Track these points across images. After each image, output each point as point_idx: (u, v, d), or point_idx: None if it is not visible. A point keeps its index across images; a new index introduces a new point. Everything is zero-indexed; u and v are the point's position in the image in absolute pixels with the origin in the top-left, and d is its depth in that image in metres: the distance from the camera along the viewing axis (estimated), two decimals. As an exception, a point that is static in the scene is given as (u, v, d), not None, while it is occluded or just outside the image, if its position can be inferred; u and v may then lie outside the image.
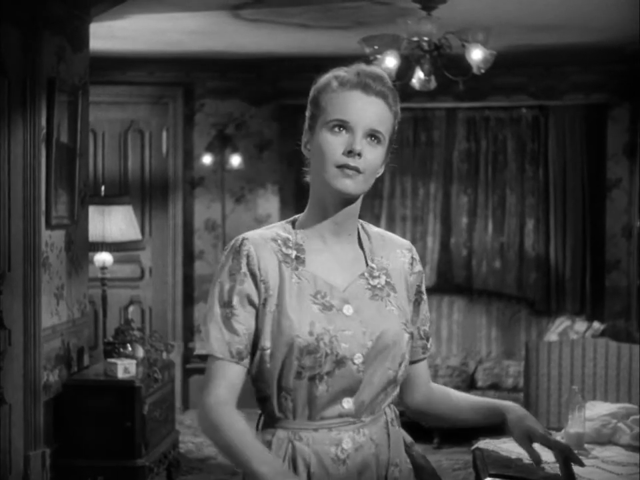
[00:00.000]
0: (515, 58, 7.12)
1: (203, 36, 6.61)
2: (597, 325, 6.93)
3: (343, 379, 1.97)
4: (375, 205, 7.75)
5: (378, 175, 2.05)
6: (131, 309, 7.79)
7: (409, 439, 2.16)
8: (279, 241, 2.03)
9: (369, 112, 1.99)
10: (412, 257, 2.14)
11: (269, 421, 2.02)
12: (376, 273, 2.07)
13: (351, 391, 1.99)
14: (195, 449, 6.64)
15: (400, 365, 2.04)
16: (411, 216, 7.76)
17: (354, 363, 1.96)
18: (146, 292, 7.85)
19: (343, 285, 2.02)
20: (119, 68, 7.61)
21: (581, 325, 7.02)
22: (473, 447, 3.45)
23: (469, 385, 6.88)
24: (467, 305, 7.63)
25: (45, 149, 4.77)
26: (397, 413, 2.13)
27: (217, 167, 7.75)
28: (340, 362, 1.96)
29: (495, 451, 3.35)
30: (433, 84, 5.42)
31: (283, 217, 7.67)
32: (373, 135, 1.99)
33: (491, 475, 3.12)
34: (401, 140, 7.69)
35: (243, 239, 2.02)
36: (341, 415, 1.99)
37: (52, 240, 4.88)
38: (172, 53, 7.29)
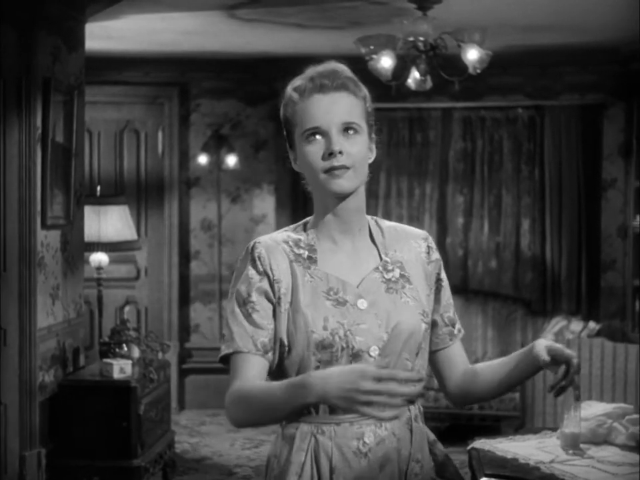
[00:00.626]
0: (510, 58, 7.12)
1: (198, 36, 6.60)
2: (592, 324, 6.94)
3: None
4: (370, 204, 7.74)
5: (370, 160, 2.09)
6: (126, 309, 7.79)
7: (432, 436, 2.18)
8: (290, 242, 2.08)
9: (335, 109, 2.02)
10: (428, 246, 2.17)
11: (292, 416, 2.03)
12: (390, 267, 2.10)
13: None
14: (191, 449, 6.63)
15: (417, 355, 2.08)
16: (407, 216, 7.75)
17: (370, 356, 2.00)
18: (142, 292, 7.85)
19: (357, 280, 2.06)
20: (115, 68, 7.60)
21: (576, 325, 7.02)
22: (469, 447, 3.45)
23: (465, 384, 6.88)
24: (462, 305, 7.62)
25: (40, 149, 4.76)
26: (421, 409, 2.15)
27: (212, 167, 7.75)
28: (356, 355, 2.00)
29: (491, 451, 3.35)
30: (429, 84, 5.43)
31: (278, 217, 7.68)
32: (347, 128, 2.02)
33: (486, 475, 3.12)
34: (397, 140, 7.70)
35: (255, 243, 2.08)
36: None
37: (47, 240, 4.87)
38: (167, 53, 7.28)
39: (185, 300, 7.85)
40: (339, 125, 2.01)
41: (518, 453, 3.32)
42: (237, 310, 2.04)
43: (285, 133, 2.10)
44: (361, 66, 5.50)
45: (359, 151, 2.02)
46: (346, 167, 2.00)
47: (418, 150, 7.72)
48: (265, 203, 7.87)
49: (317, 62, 2.16)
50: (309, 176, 2.06)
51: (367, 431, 2.02)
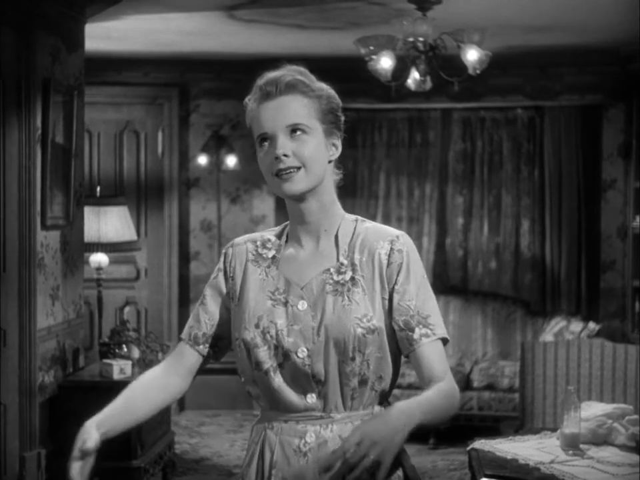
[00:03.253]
0: (510, 59, 7.12)
1: (198, 37, 6.61)
2: (592, 325, 6.94)
3: (290, 371, 2.04)
4: (370, 205, 7.75)
5: (332, 158, 2.09)
6: (126, 309, 7.78)
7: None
8: (259, 242, 2.17)
9: (279, 113, 2.05)
10: (390, 248, 2.09)
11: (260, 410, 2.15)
12: (343, 269, 2.09)
13: (309, 386, 2.04)
14: (191, 449, 6.63)
15: (353, 360, 2.03)
16: (407, 216, 7.76)
17: (298, 357, 2.03)
18: (141, 293, 7.84)
19: (304, 281, 2.09)
20: (114, 69, 7.61)
21: (576, 326, 7.03)
22: (469, 448, 3.45)
23: (465, 385, 6.88)
24: (462, 305, 7.63)
25: (40, 149, 4.76)
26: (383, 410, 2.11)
27: (212, 168, 7.75)
28: (286, 355, 2.04)
29: (491, 452, 3.35)
30: (429, 84, 5.43)
31: (278, 217, 7.68)
32: (294, 130, 2.04)
33: (486, 476, 3.12)
34: (397, 140, 7.70)
35: (231, 242, 2.21)
36: (306, 409, 2.05)
37: (47, 241, 4.87)
38: (167, 53, 7.28)
39: (184, 300, 7.85)
40: (284, 128, 2.03)
41: (518, 453, 3.32)
42: (197, 303, 2.21)
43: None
44: (360, 66, 5.51)
45: (310, 150, 2.03)
46: (295, 168, 2.03)
47: (417, 150, 7.73)
48: (264, 203, 7.87)
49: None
50: (265, 179, 2.09)
51: (309, 431, 2.05)
